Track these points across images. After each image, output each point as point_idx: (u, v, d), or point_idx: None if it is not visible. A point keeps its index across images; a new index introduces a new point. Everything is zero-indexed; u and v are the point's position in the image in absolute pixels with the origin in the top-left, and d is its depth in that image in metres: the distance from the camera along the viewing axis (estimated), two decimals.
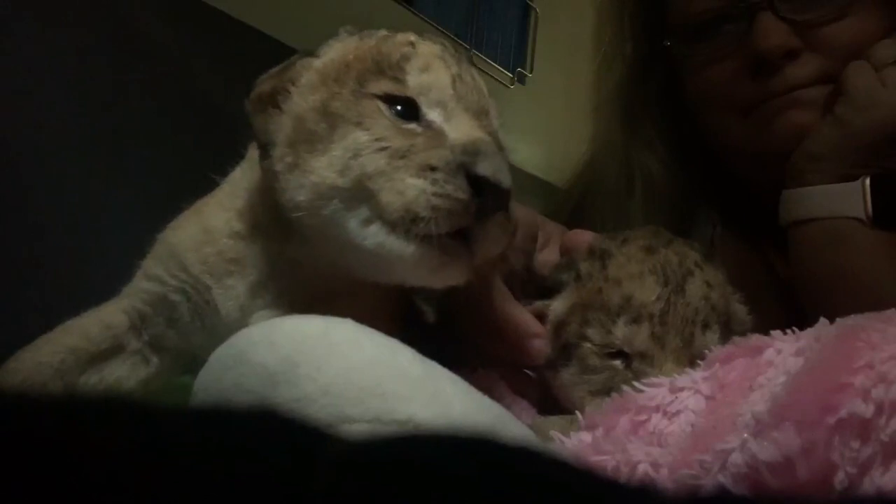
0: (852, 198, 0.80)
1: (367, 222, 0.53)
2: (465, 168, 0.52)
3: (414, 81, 0.56)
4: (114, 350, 0.65)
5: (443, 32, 1.49)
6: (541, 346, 0.66)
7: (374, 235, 0.53)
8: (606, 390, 0.59)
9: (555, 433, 0.54)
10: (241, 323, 0.61)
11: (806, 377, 0.43)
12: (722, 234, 0.98)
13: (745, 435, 0.42)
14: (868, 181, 0.80)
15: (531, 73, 1.76)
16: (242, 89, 0.61)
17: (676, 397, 0.53)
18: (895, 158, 0.80)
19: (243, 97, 0.61)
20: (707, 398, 0.52)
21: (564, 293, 0.65)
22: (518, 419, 0.59)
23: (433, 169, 0.52)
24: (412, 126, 0.55)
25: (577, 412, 0.58)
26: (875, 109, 0.80)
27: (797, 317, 0.57)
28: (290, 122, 0.57)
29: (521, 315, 0.66)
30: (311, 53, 0.61)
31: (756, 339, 0.53)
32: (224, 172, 0.68)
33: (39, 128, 0.81)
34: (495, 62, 1.67)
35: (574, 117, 1.23)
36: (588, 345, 0.61)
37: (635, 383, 0.55)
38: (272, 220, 0.61)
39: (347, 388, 0.43)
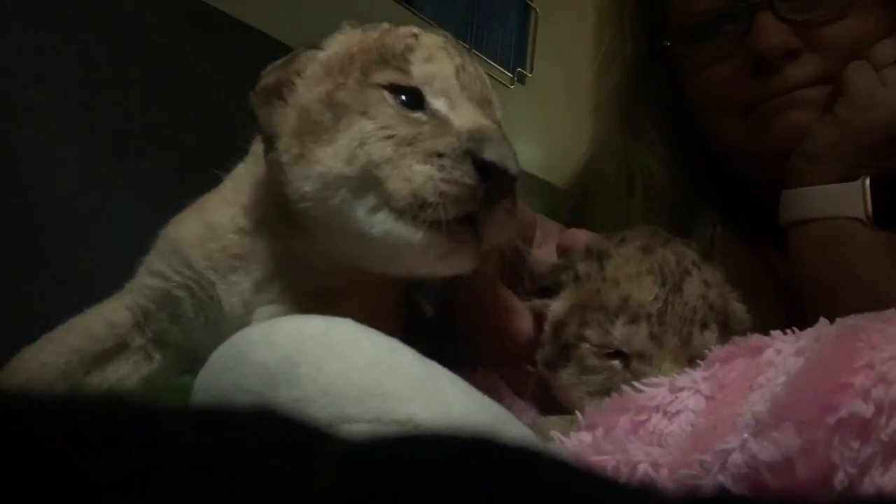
0: (852, 198, 0.80)
1: (375, 210, 0.54)
2: (471, 154, 0.52)
3: (418, 71, 0.57)
4: (118, 348, 0.65)
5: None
6: (521, 322, 0.66)
7: (382, 223, 0.53)
8: (605, 391, 0.59)
9: (555, 433, 0.54)
10: (245, 319, 0.61)
11: (806, 377, 0.43)
12: (722, 234, 0.98)
13: (745, 435, 0.42)
14: (868, 181, 0.80)
15: (531, 73, 1.76)
16: (242, 89, 0.61)
17: (676, 397, 0.53)
18: (895, 158, 0.80)
19: (243, 97, 0.61)
20: (707, 398, 0.52)
21: (563, 294, 0.65)
22: (518, 419, 0.59)
23: (440, 155, 0.52)
24: (418, 115, 0.55)
25: (577, 412, 0.58)
26: (875, 109, 0.80)
27: (797, 317, 0.57)
28: (295, 113, 0.58)
29: (505, 292, 0.67)
30: (315, 46, 0.61)
31: (756, 339, 0.53)
32: (227, 169, 0.68)
33: (39, 128, 0.81)
34: (495, 62, 1.67)
35: (574, 117, 1.23)
36: (587, 345, 0.61)
37: (635, 383, 0.55)
38: (277, 215, 0.61)
39: (347, 388, 0.43)
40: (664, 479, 0.46)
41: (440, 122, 0.55)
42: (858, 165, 0.80)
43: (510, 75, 1.71)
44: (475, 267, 0.57)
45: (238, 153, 0.68)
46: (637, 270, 0.62)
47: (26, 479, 0.19)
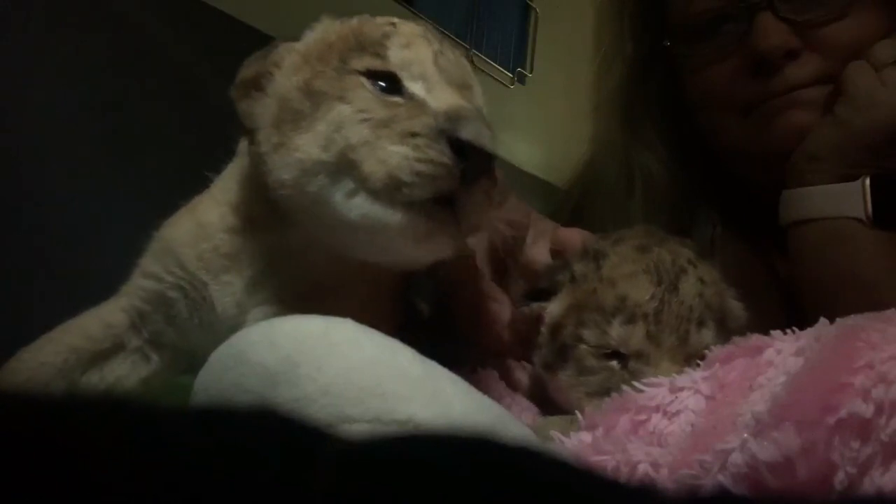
0: (852, 198, 0.80)
1: (352, 194, 0.54)
2: (446, 133, 0.52)
3: (395, 57, 0.57)
4: (114, 349, 0.65)
5: (443, 32, 1.49)
6: (498, 308, 0.66)
7: (360, 206, 0.53)
8: (604, 391, 0.59)
9: (555, 433, 0.54)
10: (238, 320, 0.61)
11: (806, 377, 0.43)
12: (722, 234, 0.98)
13: (745, 435, 0.42)
14: (868, 181, 0.80)
15: (531, 73, 1.76)
16: None
17: (676, 397, 0.53)
18: (895, 158, 0.80)
19: None
20: (707, 398, 0.52)
21: (560, 295, 0.65)
22: (518, 419, 0.59)
23: (415, 135, 0.52)
24: (395, 99, 0.55)
25: (576, 412, 0.58)
26: (875, 109, 0.80)
27: (797, 317, 0.57)
28: (274, 103, 0.58)
29: (484, 281, 0.67)
30: (294, 40, 0.61)
31: (756, 339, 0.53)
32: (219, 170, 0.68)
33: (39, 128, 0.81)
34: (495, 62, 1.67)
35: (574, 117, 1.23)
36: (584, 346, 0.61)
37: (635, 383, 0.55)
38: (264, 211, 0.61)
39: (347, 388, 0.43)
40: (664, 479, 0.46)
41: (417, 104, 0.55)
42: (858, 165, 0.80)
43: (510, 75, 1.71)
44: (455, 252, 0.57)
45: (232, 153, 0.68)
46: (633, 270, 0.62)
47: (26, 480, 0.19)
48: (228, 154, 0.68)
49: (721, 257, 0.86)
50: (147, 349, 0.66)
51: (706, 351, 0.57)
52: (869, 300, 0.59)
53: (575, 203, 1.06)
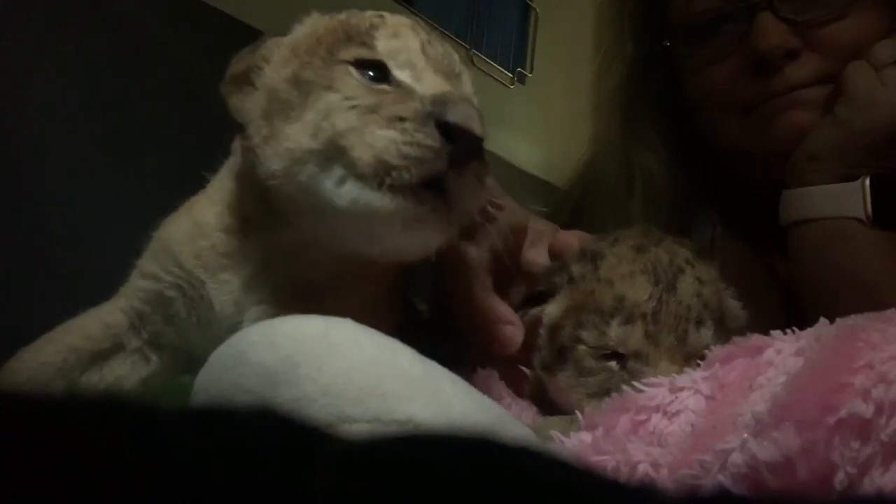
0: (852, 198, 0.80)
1: (342, 181, 0.54)
2: (434, 117, 0.52)
3: (383, 46, 0.57)
4: (114, 349, 0.65)
5: (443, 32, 1.49)
6: (512, 332, 0.66)
7: (349, 192, 0.53)
8: (604, 392, 0.59)
9: (555, 433, 0.54)
10: (236, 318, 0.61)
11: (806, 377, 0.43)
12: (722, 234, 0.98)
13: (745, 435, 0.42)
14: (868, 181, 0.80)
15: (531, 73, 1.76)
16: None
17: (676, 397, 0.53)
18: (895, 158, 0.80)
19: None
20: (707, 398, 0.52)
21: (558, 296, 0.65)
22: (518, 419, 0.59)
23: (402, 119, 0.52)
24: (383, 87, 0.56)
25: (577, 412, 0.58)
26: (875, 109, 0.80)
27: (797, 317, 0.57)
28: (264, 95, 0.58)
29: (495, 302, 0.67)
30: (283, 34, 0.62)
31: (756, 339, 0.53)
32: (217, 170, 0.68)
33: (39, 128, 0.81)
34: (495, 62, 1.67)
35: (574, 117, 1.23)
36: (583, 347, 0.61)
37: (635, 383, 0.55)
38: (259, 208, 0.61)
39: (347, 388, 0.43)
40: (664, 479, 0.46)
41: (404, 91, 0.55)
42: (858, 165, 0.80)
43: (510, 75, 1.71)
44: (448, 240, 0.57)
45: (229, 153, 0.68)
46: (631, 270, 0.62)
47: (26, 479, 0.19)
48: (227, 154, 0.68)
49: (721, 257, 0.86)
50: (146, 349, 0.66)
51: (705, 350, 0.57)
52: (869, 300, 0.59)
53: (575, 203, 1.06)
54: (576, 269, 0.65)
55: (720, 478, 0.42)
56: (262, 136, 0.57)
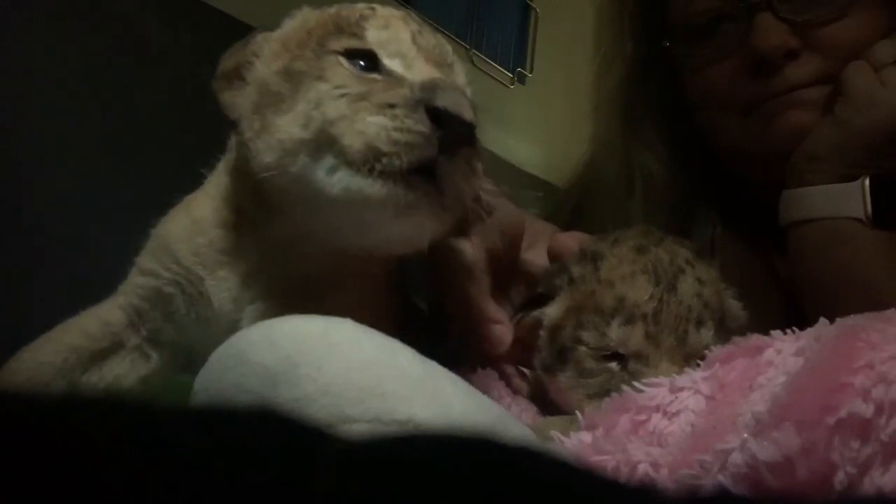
0: (852, 198, 0.80)
1: (333, 170, 0.54)
2: (423, 103, 0.52)
3: (373, 36, 0.57)
4: (114, 347, 0.65)
5: (443, 32, 1.49)
6: (502, 332, 0.66)
7: (341, 180, 0.53)
8: (604, 393, 0.59)
9: (555, 433, 0.54)
10: (235, 315, 0.61)
11: (806, 377, 0.43)
12: (722, 234, 0.98)
13: (745, 435, 0.42)
14: (868, 181, 0.80)
15: (531, 73, 1.76)
16: None
17: (676, 397, 0.53)
18: (895, 158, 0.80)
19: None
20: (707, 398, 0.52)
21: (558, 298, 0.65)
22: (518, 419, 0.59)
23: (392, 106, 0.52)
24: (373, 76, 0.56)
25: (577, 412, 0.58)
26: (875, 109, 0.80)
27: (797, 317, 0.57)
28: (255, 89, 0.59)
29: (486, 302, 0.67)
30: (273, 30, 0.62)
31: (756, 339, 0.53)
32: (213, 167, 0.68)
33: (39, 128, 0.81)
34: (495, 62, 1.67)
35: (574, 117, 1.23)
36: (583, 348, 0.61)
37: (635, 383, 0.55)
38: (254, 203, 0.61)
39: (347, 388, 0.43)
40: (664, 479, 0.46)
41: (395, 79, 0.55)
42: (858, 165, 0.80)
43: (510, 75, 1.71)
44: (442, 229, 0.57)
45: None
46: (631, 271, 0.62)
47: (26, 479, 0.19)
48: (225, 152, 0.68)
49: (721, 257, 0.86)
50: (146, 347, 0.66)
51: (705, 351, 0.57)
52: (869, 300, 0.59)
53: (575, 203, 1.06)
54: (576, 270, 0.65)
55: (720, 478, 0.42)
56: (255, 130, 0.57)
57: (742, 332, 0.58)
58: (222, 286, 0.62)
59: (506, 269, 0.72)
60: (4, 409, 0.21)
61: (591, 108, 1.09)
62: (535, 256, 0.74)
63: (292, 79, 0.56)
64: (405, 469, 0.22)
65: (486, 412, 0.47)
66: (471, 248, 0.68)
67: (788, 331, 0.52)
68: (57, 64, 0.83)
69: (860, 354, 0.42)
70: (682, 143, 0.99)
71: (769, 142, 0.88)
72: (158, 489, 0.20)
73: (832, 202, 0.81)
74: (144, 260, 0.65)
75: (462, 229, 0.66)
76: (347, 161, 0.53)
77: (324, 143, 0.54)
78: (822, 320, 0.49)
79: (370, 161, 0.52)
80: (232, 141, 0.65)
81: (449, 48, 0.61)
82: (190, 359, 0.62)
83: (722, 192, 1.00)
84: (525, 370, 0.71)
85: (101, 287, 0.67)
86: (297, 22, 0.62)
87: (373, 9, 0.60)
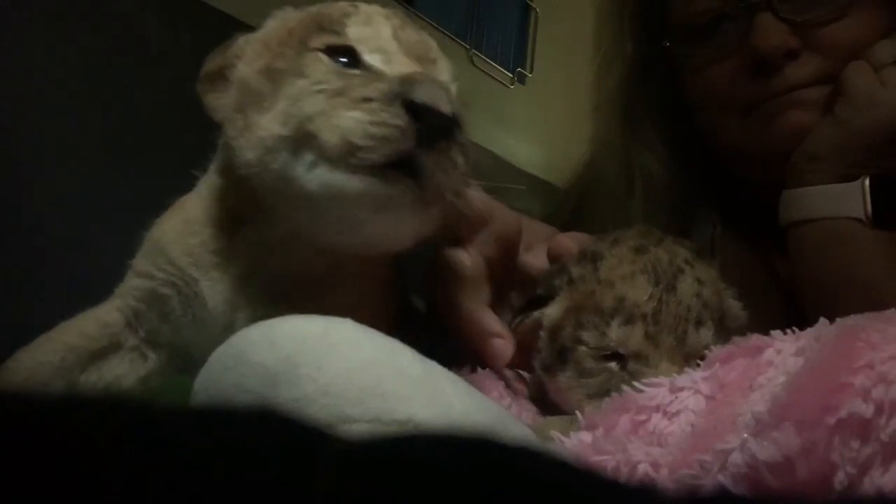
0: (852, 198, 0.80)
1: (313, 166, 0.54)
2: (401, 96, 0.52)
3: (354, 33, 0.57)
4: (112, 347, 0.65)
5: (443, 32, 1.49)
6: (501, 346, 0.66)
7: (319, 176, 0.53)
8: (604, 393, 0.59)
9: (555, 433, 0.54)
10: (230, 316, 0.61)
11: (806, 377, 0.43)
12: (722, 235, 0.98)
13: (745, 435, 0.42)
14: (868, 181, 0.80)
15: (531, 73, 1.76)
16: None
17: (676, 397, 0.53)
18: (895, 158, 0.80)
19: None
20: (707, 398, 0.52)
21: (558, 298, 0.65)
22: (518, 419, 0.59)
23: (368, 100, 0.52)
24: (353, 71, 0.56)
25: (577, 412, 0.58)
26: (875, 109, 0.80)
27: (797, 317, 0.57)
28: (237, 88, 0.59)
29: (484, 315, 0.67)
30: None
31: (756, 339, 0.53)
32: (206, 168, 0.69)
33: (39, 128, 0.81)
34: (495, 62, 1.66)
35: (574, 117, 1.23)
36: (583, 348, 0.61)
37: (635, 383, 0.55)
38: (243, 202, 0.61)
39: (347, 388, 0.43)
40: (664, 479, 0.46)
41: (374, 74, 0.55)
42: (858, 165, 0.80)
43: (510, 75, 1.71)
44: (425, 224, 0.57)
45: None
46: (630, 271, 0.62)
47: (25, 479, 0.19)
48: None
49: (721, 257, 0.86)
50: (144, 348, 0.66)
51: (705, 351, 0.57)
52: (869, 300, 0.59)
53: (575, 203, 1.06)
54: (575, 271, 0.65)
55: (720, 478, 0.42)
56: (238, 129, 0.58)
57: (742, 332, 0.58)
58: (216, 287, 0.62)
59: (504, 273, 0.72)
60: (4, 409, 0.21)
61: (591, 108, 1.09)
62: (534, 259, 0.74)
63: (273, 77, 0.57)
64: (405, 469, 0.22)
65: (486, 412, 0.47)
66: (468, 259, 0.68)
67: (788, 331, 0.52)
68: (57, 64, 0.83)
69: (860, 354, 0.42)
70: (682, 143, 0.99)
71: (769, 142, 0.88)
72: (158, 489, 0.20)
73: (832, 202, 0.81)
74: (139, 262, 0.66)
75: (453, 230, 0.66)
76: (326, 156, 0.53)
77: (303, 139, 0.54)
78: (822, 320, 0.49)
79: (347, 156, 0.52)
80: (221, 142, 0.65)
81: (433, 44, 0.61)
82: (188, 359, 0.62)
83: (722, 192, 1.00)
84: (524, 373, 0.71)
85: (101, 287, 0.67)
86: (279, 21, 0.62)
87: (355, 6, 0.60)
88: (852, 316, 0.48)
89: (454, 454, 0.23)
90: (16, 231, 0.77)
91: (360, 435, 0.24)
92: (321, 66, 0.56)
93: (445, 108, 0.52)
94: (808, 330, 0.50)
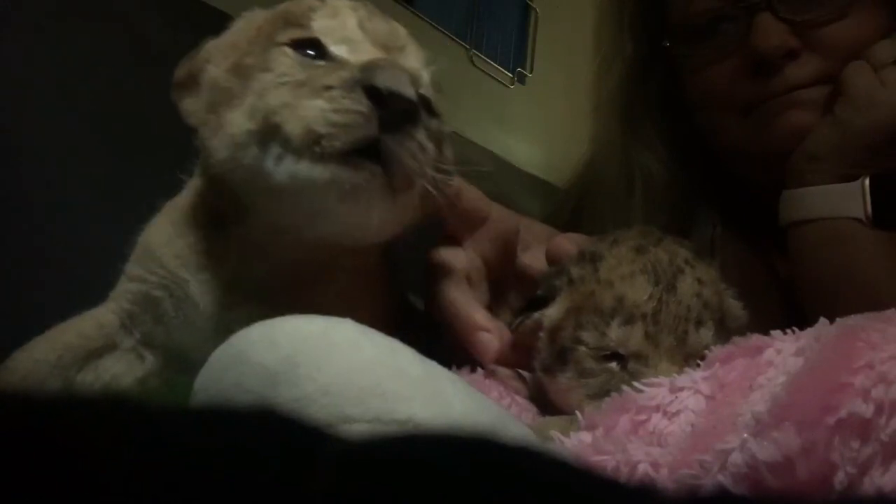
0: (852, 198, 0.80)
1: (280, 158, 0.54)
2: (361, 83, 0.52)
3: (319, 25, 0.58)
4: (108, 347, 0.66)
5: (443, 32, 1.49)
6: (488, 339, 0.66)
7: (287, 168, 0.54)
8: (604, 393, 0.58)
9: (555, 433, 0.54)
10: (222, 317, 0.61)
11: (806, 377, 0.43)
12: (722, 234, 0.98)
13: (745, 435, 0.42)
14: (868, 181, 0.80)
15: (531, 73, 1.76)
16: None
17: (676, 397, 0.53)
18: (895, 158, 0.80)
19: None
20: (707, 398, 0.52)
21: (558, 299, 0.65)
22: (518, 419, 0.59)
23: (329, 88, 0.52)
24: (318, 63, 0.56)
25: (577, 412, 0.57)
26: (875, 109, 0.80)
27: (797, 317, 0.57)
28: (208, 89, 0.60)
29: (472, 309, 0.67)
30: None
31: (756, 339, 0.53)
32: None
33: (40, 128, 0.81)
34: (495, 62, 1.67)
35: (574, 117, 1.23)
36: (583, 348, 0.61)
37: (635, 383, 0.55)
38: (225, 201, 0.61)
39: (347, 388, 0.43)
40: (664, 479, 0.46)
41: (338, 64, 0.56)
42: (858, 165, 0.80)
43: (510, 75, 1.71)
44: (397, 211, 0.57)
45: None
46: (630, 271, 0.61)
47: (25, 479, 0.19)
48: None
49: (721, 257, 0.86)
50: (140, 349, 0.66)
51: (705, 351, 0.57)
52: (869, 300, 0.58)
53: (575, 203, 1.06)
54: (575, 271, 0.65)
55: (720, 478, 0.42)
56: (211, 128, 0.58)
57: (742, 332, 0.58)
58: (206, 288, 0.62)
59: (502, 273, 0.72)
60: (3, 409, 0.21)
61: (591, 108, 1.09)
62: (533, 259, 0.74)
63: (241, 74, 0.57)
64: (405, 469, 0.22)
65: (486, 412, 0.47)
66: (460, 255, 0.68)
67: (788, 331, 0.52)
68: (57, 64, 0.83)
69: (860, 354, 0.42)
70: (682, 143, 0.99)
71: (769, 142, 0.88)
72: (158, 489, 0.20)
73: (832, 202, 0.81)
74: (131, 267, 0.66)
75: (444, 224, 0.66)
76: (291, 147, 0.53)
77: (269, 132, 0.54)
78: (822, 320, 0.49)
79: (310, 145, 0.52)
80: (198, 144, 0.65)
81: (402, 31, 0.61)
82: (185, 360, 0.63)
83: (722, 192, 1.00)
84: (524, 373, 0.71)
85: (101, 287, 0.68)
86: (246, 21, 0.63)
87: (322, 0, 0.60)
88: (852, 316, 0.48)
89: (454, 454, 0.22)
90: (16, 231, 0.77)
91: (360, 435, 0.24)
92: (286, 60, 0.56)
93: (408, 92, 0.52)
94: (808, 330, 0.50)
